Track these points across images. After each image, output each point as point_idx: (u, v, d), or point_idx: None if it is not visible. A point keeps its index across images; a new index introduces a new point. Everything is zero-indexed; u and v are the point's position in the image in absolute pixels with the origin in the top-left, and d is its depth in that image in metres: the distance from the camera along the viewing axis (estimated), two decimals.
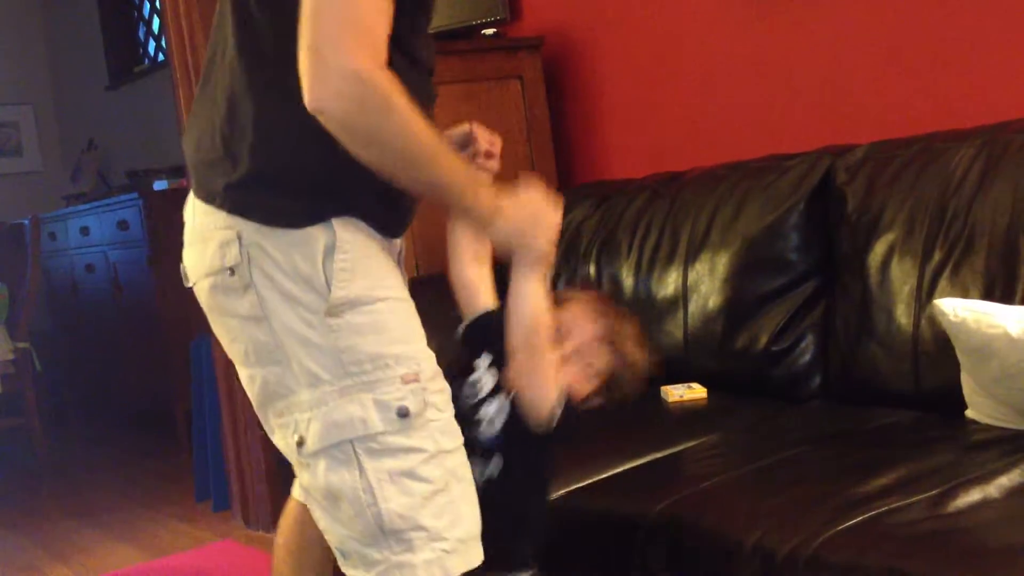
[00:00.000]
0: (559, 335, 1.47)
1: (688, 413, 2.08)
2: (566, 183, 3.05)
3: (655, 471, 1.76)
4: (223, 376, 3.22)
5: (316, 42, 1.16)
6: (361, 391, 1.25)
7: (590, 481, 1.75)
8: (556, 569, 1.71)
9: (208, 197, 1.31)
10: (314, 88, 1.17)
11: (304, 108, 1.19)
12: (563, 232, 2.60)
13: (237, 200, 1.28)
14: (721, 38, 2.65)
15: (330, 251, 1.25)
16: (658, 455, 1.82)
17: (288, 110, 1.22)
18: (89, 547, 3.32)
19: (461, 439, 1.33)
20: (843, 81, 2.39)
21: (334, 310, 1.25)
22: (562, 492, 1.73)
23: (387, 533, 1.26)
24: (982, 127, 1.96)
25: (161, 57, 5.52)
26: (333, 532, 1.32)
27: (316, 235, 1.25)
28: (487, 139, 1.55)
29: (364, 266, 1.27)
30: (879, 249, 1.96)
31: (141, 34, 5.79)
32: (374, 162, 1.24)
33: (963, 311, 1.66)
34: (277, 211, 1.26)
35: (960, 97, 2.19)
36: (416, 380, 1.27)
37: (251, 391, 1.35)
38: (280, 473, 2.91)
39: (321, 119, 1.19)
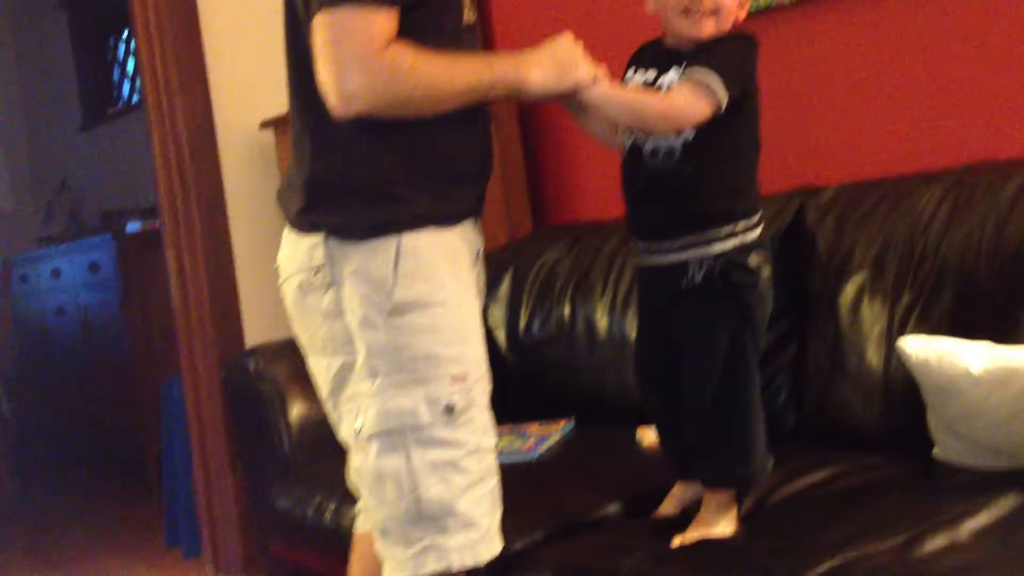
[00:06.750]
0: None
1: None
2: (540, 223, 3.06)
3: (626, 521, 1.76)
4: (194, 420, 3.19)
5: (332, 66, 1.34)
6: (414, 385, 1.40)
7: (560, 530, 1.74)
8: None
9: (292, 221, 1.50)
10: (340, 100, 1.35)
11: (353, 127, 1.39)
12: (536, 273, 2.62)
13: (317, 223, 1.46)
14: None
15: (399, 257, 1.41)
16: (629, 503, 1.82)
17: (339, 131, 1.41)
18: None
19: (495, 440, 1.48)
20: (813, 123, 2.42)
21: (397, 310, 1.40)
22: (532, 540, 1.72)
23: (424, 517, 1.40)
24: (950, 169, 1.98)
25: (135, 99, 5.52)
26: (378, 511, 1.46)
27: (388, 243, 1.41)
28: None
29: (426, 271, 1.42)
30: (849, 290, 1.97)
31: (115, 76, 5.79)
32: (413, 117, 1.41)
33: (925, 350, 1.67)
34: (352, 228, 1.43)
35: (928, 139, 2.21)
36: (464, 380, 1.42)
37: (324, 379, 1.53)
38: (251, 519, 2.88)
39: (359, 115, 1.36)
